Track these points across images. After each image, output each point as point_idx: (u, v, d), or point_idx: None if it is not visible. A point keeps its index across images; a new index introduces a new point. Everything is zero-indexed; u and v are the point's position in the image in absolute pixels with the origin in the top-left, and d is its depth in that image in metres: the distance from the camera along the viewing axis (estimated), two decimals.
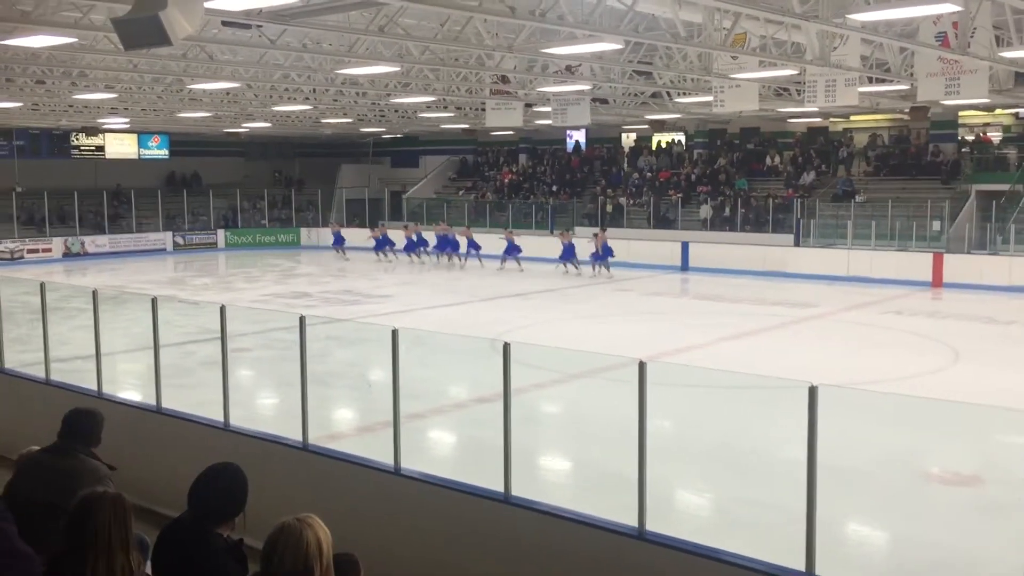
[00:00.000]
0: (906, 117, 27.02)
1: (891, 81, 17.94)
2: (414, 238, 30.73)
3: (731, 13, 13.18)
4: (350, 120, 31.03)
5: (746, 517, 7.72)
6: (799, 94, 19.48)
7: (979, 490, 8.71)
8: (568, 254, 26.66)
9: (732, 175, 31.85)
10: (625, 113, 26.23)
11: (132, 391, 10.44)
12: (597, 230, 28.11)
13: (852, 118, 31.03)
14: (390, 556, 5.71)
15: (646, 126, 31.08)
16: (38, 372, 9.06)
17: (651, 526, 5.11)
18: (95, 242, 33.33)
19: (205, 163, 39.95)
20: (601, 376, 11.86)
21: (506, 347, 5.65)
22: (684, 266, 27.99)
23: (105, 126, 33.89)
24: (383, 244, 31.31)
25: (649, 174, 34.09)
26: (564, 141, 38.38)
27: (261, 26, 13.86)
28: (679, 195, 31.55)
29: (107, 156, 37.61)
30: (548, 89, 20.81)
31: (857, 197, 27.77)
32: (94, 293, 8.61)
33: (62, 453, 4.46)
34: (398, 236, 31.18)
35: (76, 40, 14.19)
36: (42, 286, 9.23)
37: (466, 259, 29.59)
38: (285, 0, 10.87)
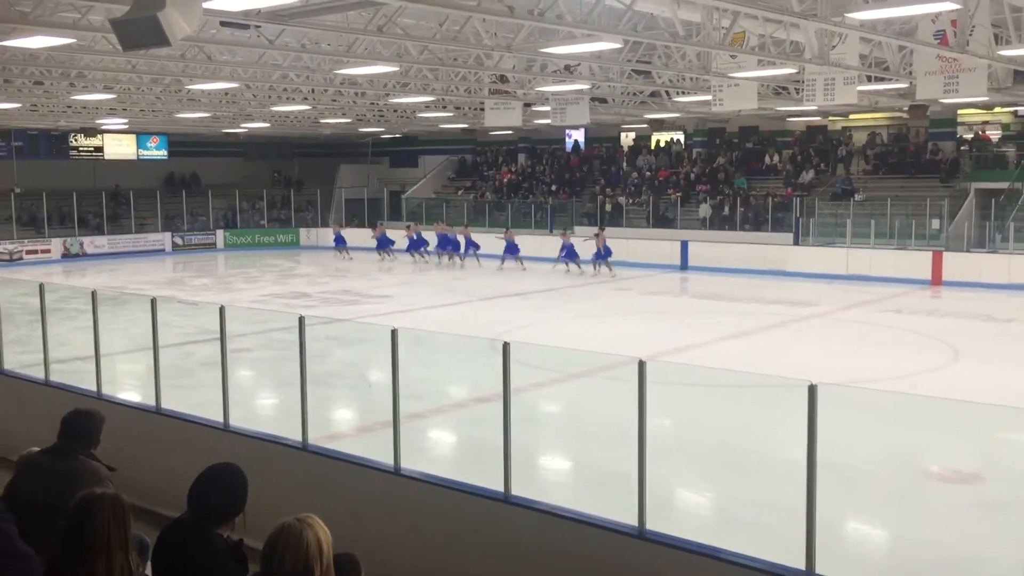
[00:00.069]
0: (905, 115, 27.02)
1: (890, 79, 17.94)
2: (415, 237, 30.75)
3: (730, 12, 13.18)
4: (349, 120, 31.03)
5: (746, 516, 7.72)
6: (798, 93, 19.47)
7: (979, 488, 8.71)
8: (570, 253, 26.72)
9: (731, 174, 31.85)
10: (624, 112, 26.23)
11: (131, 392, 10.43)
12: (597, 230, 28.13)
13: (851, 117, 31.03)
14: (390, 556, 5.70)
15: (645, 125, 31.08)
16: (37, 373, 9.05)
17: (651, 525, 5.11)
18: (94, 243, 33.32)
19: (204, 163, 39.93)
20: (601, 375, 11.86)
21: (506, 347, 5.65)
22: (683, 265, 27.99)
23: (104, 127, 33.88)
24: (384, 244, 31.34)
25: (648, 173, 34.09)
26: (563, 140, 38.38)
27: (259, 26, 13.85)
28: (678, 194, 31.55)
29: (106, 157, 37.60)
30: (547, 88, 20.81)
31: (856, 196, 27.77)
32: (93, 294, 8.61)
33: (62, 454, 4.46)
34: (398, 236, 31.20)
35: (74, 41, 14.19)
36: (41, 287, 9.22)
37: (465, 258, 29.61)
38: (283, 0, 10.86)
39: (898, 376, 12.82)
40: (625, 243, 28.01)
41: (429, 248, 30.54)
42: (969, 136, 29.53)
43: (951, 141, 29.02)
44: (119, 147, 37.99)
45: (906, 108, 24.31)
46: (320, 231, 36.93)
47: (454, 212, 35.33)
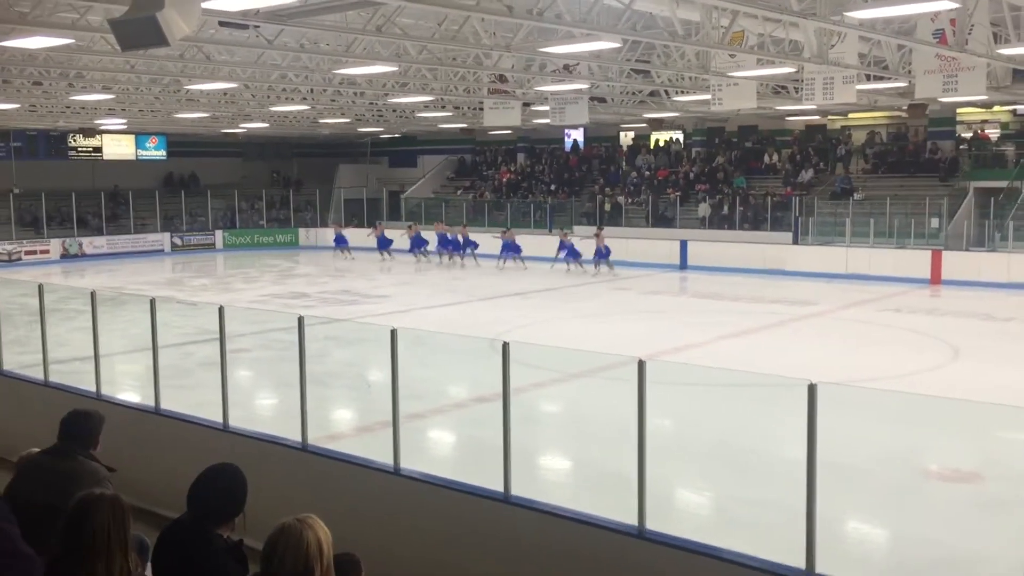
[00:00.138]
0: (904, 114, 27.01)
1: (889, 78, 17.95)
2: (415, 237, 30.77)
3: (729, 11, 13.18)
4: (348, 120, 31.02)
5: (746, 515, 7.72)
6: (797, 92, 19.48)
7: (979, 487, 8.71)
8: (572, 252, 26.77)
9: (730, 173, 31.85)
10: (623, 112, 26.22)
11: (131, 392, 10.41)
12: (596, 229, 28.15)
13: (850, 116, 31.02)
14: (390, 556, 5.70)
15: (644, 125, 31.07)
16: (37, 374, 9.04)
17: (651, 525, 5.11)
18: (93, 243, 33.30)
19: (203, 164, 39.92)
20: (600, 375, 11.86)
21: (505, 347, 5.64)
22: (683, 265, 27.99)
23: (102, 127, 33.86)
24: (384, 244, 31.36)
25: (647, 173, 34.09)
26: (562, 140, 38.37)
27: (258, 26, 13.84)
28: (677, 193, 31.55)
29: (104, 157, 37.61)
30: (546, 88, 20.81)
31: (855, 195, 27.78)
32: (92, 294, 8.60)
33: (61, 455, 4.46)
34: (398, 236, 31.22)
35: (73, 41, 14.18)
36: (40, 288, 9.22)
37: (464, 257, 29.64)
38: (282, 0, 10.86)
39: (897, 375, 12.82)
40: (624, 243, 28.02)
41: (429, 248, 30.55)
42: (968, 135, 29.53)
43: (950, 140, 29.03)
44: (118, 147, 38.00)
45: (905, 107, 24.31)
46: (319, 231, 36.93)
47: (453, 212, 35.33)
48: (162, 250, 34.86)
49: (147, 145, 38.70)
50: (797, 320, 18.65)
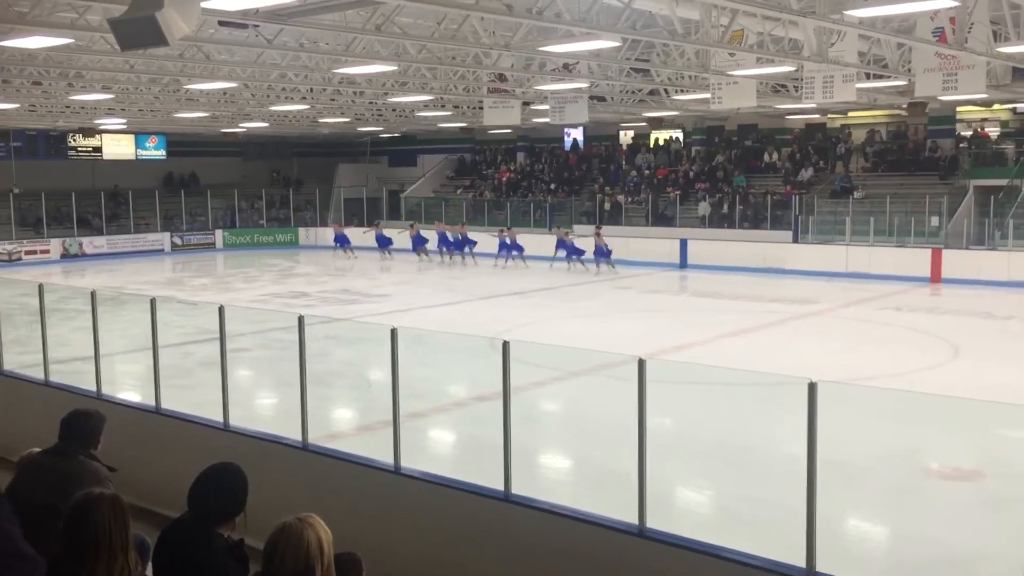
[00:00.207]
0: (904, 113, 27.04)
1: (889, 77, 17.94)
2: (417, 236, 30.78)
3: (728, 10, 13.17)
4: (347, 119, 31.02)
5: (746, 514, 7.72)
6: (797, 90, 19.48)
7: (979, 485, 8.71)
8: (573, 250, 26.79)
9: (730, 172, 31.85)
10: (623, 111, 26.23)
11: (131, 392, 10.42)
12: (596, 229, 28.17)
13: (850, 114, 31.02)
14: (391, 555, 5.70)
15: (644, 123, 31.09)
16: (37, 374, 9.05)
17: (651, 524, 5.11)
18: (93, 243, 33.30)
19: (203, 163, 39.92)
20: (601, 374, 11.86)
21: (505, 345, 5.64)
22: (683, 263, 28.00)
23: (102, 127, 33.86)
24: (383, 243, 31.37)
25: (647, 171, 34.09)
26: (562, 139, 38.37)
27: (258, 26, 13.84)
28: (677, 192, 31.54)
29: (104, 157, 37.60)
30: (546, 87, 20.81)
31: (855, 193, 27.77)
32: (92, 294, 8.60)
33: (62, 455, 4.46)
34: (398, 235, 31.23)
35: (73, 41, 14.18)
36: (40, 287, 9.22)
37: (465, 256, 29.65)
38: (282, 0, 10.85)
39: (897, 373, 12.82)
40: (624, 241, 28.02)
41: (429, 247, 30.55)
42: (968, 133, 29.53)
43: (950, 138, 29.03)
44: (118, 147, 37.98)
45: (905, 105, 24.34)
46: (319, 230, 36.93)
47: (453, 211, 35.33)
48: (162, 250, 34.85)
49: (147, 145, 38.68)
50: (797, 319, 18.65)
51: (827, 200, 28.08)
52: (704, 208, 30.50)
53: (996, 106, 27.98)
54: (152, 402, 7.84)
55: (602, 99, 23.59)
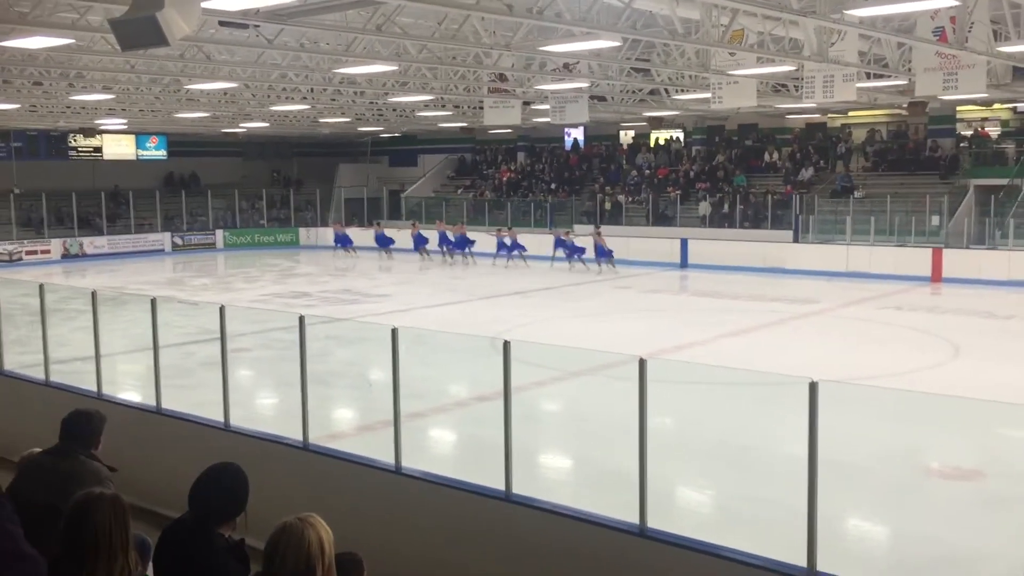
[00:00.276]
0: (904, 112, 27.02)
1: (889, 76, 17.94)
2: (418, 235, 30.81)
3: (728, 9, 13.17)
4: (348, 119, 31.02)
5: (747, 513, 7.72)
6: (797, 90, 19.47)
7: (980, 484, 8.71)
8: (574, 249, 26.78)
9: (731, 172, 31.85)
10: (623, 110, 26.22)
11: (132, 392, 10.42)
12: (596, 229, 28.17)
13: (850, 114, 31.02)
14: (392, 555, 5.70)
15: (644, 123, 31.07)
16: (38, 374, 9.05)
17: (652, 523, 5.11)
18: (93, 243, 33.30)
19: (203, 163, 39.93)
20: (601, 373, 11.85)
21: (506, 345, 5.64)
22: (683, 263, 28.00)
23: (103, 127, 33.86)
24: (383, 242, 31.37)
25: (648, 171, 34.09)
26: (562, 139, 38.37)
27: (258, 26, 13.84)
28: (678, 192, 31.54)
29: (105, 157, 37.60)
30: (546, 87, 20.81)
31: (856, 193, 27.78)
32: (93, 294, 8.60)
33: (63, 455, 4.46)
34: (398, 235, 31.20)
35: (73, 41, 14.18)
36: (41, 288, 9.22)
37: (465, 256, 29.67)
38: (282, 0, 10.86)
39: (898, 373, 12.82)
40: (625, 241, 28.02)
41: (429, 247, 30.56)
42: (968, 133, 29.53)
43: (950, 138, 29.02)
44: (118, 147, 37.99)
45: (905, 105, 24.32)
46: (320, 230, 36.92)
47: (453, 211, 35.33)
48: (163, 250, 34.86)
49: (147, 145, 38.69)
50: (798, 318, 18.65)
51: (827, 200, 28.08)
52: (704, 208, 30.50)
53: (996, 105, 27.98)
54: (153, 402, 7.84)
55: (602, 99, 23.59)
